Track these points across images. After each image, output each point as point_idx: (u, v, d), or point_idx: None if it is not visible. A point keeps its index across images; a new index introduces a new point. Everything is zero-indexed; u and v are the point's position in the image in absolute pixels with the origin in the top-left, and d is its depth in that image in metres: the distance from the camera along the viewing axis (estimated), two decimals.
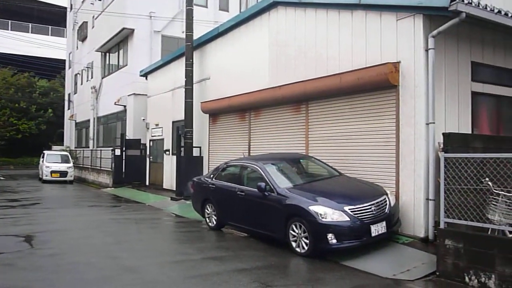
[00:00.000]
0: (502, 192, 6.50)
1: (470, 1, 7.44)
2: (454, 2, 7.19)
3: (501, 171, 6.23)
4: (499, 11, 7.83)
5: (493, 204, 6.56)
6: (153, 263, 7.07)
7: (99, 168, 23.80)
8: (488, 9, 7.71)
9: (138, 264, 7.02)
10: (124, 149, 20.56)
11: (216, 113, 14.26)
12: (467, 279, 5.98)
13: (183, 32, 17.08)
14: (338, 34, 9.66)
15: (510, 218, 6.49)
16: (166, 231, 10.96)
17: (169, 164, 17.61)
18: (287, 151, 10.80)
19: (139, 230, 10.57)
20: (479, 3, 7.64)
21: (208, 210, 10.02)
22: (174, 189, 15.84)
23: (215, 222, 9.80)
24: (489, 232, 6.66)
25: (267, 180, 8.20)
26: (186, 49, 15.11)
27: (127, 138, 21.04)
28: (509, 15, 7.99)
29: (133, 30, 22.11)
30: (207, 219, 10.08)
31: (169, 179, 17.49)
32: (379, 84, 8.39)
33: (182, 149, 14.98)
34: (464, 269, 6.03)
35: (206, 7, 24.01)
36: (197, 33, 15.63)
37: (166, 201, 14.96)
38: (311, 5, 10.42)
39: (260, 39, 12.28)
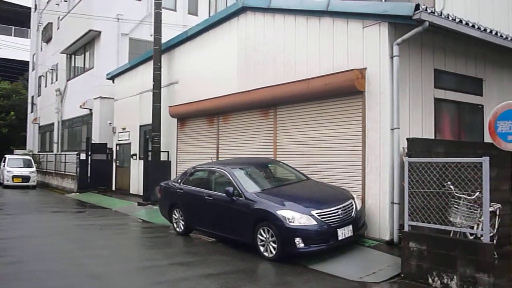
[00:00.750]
0: (463, 196, 6.72)
1: (433, 11, 7.67)
2: (418, 11, 7.39)
3: (462, 175, 6.43)
4: (460, 21, 8.10)
5: (455, 207, 6.76)
6: (118, 269, 6.94)
7: (63, 172, 23.20)
8: (450, 18, 7.97)
9: (103, 271, 6.87)
10: (89, 153, 20.12)
11: (184, 117, 14.17)
12: (430, 280, 6.13)
13: (151, 35, 16.93)
14: (306, 40, 9.77)
15: (470, 220, 6.71)
16: (133, 237, 10.78)
17: (136, 168, 17.35)
18: (256, 155, 10.83)
19: (104, 236, 10.36)
20: (441, 12, 7.89)
21: (175, 215, 9.92)
22: (141, 194, 15.62)
23: (182, 227, 9.71)
24: (451, 234, 6.86)
25: (235, 184, 8.20)
26: (154, 52, 14.96)
27: (93, 142, 20.61)
28: (470, 24, 8.27)
29: (100, 32, 21.73)
30: (174, 224, 9.98)
31: (136, 184, 17.23)
32: (346, 89, 8.52)
33: (150, 153, 14.79)
34: (427, 271, 6.18)
35: (175, 10, 23.87)
36: (166, 37, 15.49)
37: (133, 206, 14.72)
38: (280, 11, 10.51)
39: (229, 44, 12.29)
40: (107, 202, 16.32)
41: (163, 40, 15.25)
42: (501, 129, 6.19)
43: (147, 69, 16.13)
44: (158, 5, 15.21)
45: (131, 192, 17.79)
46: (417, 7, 7.38)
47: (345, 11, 8.82)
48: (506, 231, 7.02)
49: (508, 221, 7.20)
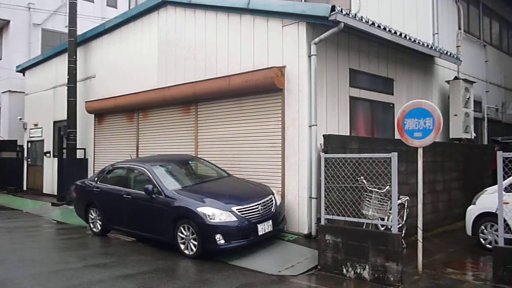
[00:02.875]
0: (375, 189, 7.09)
1: (348, 13, 7.98)
2: (334, 13, 7.66)
3: (373, 169, 6.79)
4: (373, 23, 8.51)
5: (367, 201, 7.13)
6: (27, 275, 6.51)
7: None
8: (364, 20, 8.34)
9: (9, 277, 6.41)
10: None
11: (102, 113, 13.62)
12: (344, 271, 6.40)
13: (66, 26, 16.06)
14: (227, 37, 9.78)
15: (381, 212, 7.10)
16: (45, 239, 10.18)
17: (50, 167, 16.41)
18: (177, 152, 10.67)
19: (12, 240, 9.67)
20: (355, 15, 8.24)
21: (92, 215, 9.52)
22: (56, 194, 14.80)
23: (100, 228, 9.34)
24: (364, 226, 7.21)
25: (155, 182, 8.02)
26: (69, 44, 14.21)
27: (1, 139, 19.19)
28: (382, 27, 8.72)
29: (8, 21, 20.26)
30: (91, 224, 9.57)
31: (50, 183, 16.31)
32: (266, 87, 8.64)
33: (65, 151, 14.05)
34: (342, 262, 6.45)
35: (93, 2, 22.89)
36: (83, 29, 14.80)
37: (47, 207, 13.91)
38: (201, 7, 10.42)
39: (149, 38, 11.99)
40: (17, 203, 15.27)
41: (80, 32, 14.54)
42: (408, 126, 6.58)
43: (62, 62, 15.30)
44: None
45: (44, 192, 16.81)
46: (333, 8, 7.65)
47: (265, 9, 8.93)
48: (414, 222, 7.50)
49: (415, 212, 7.69)
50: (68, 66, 14.08)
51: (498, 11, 15.55)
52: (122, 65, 12.95)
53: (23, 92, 18.68)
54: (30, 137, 18.09)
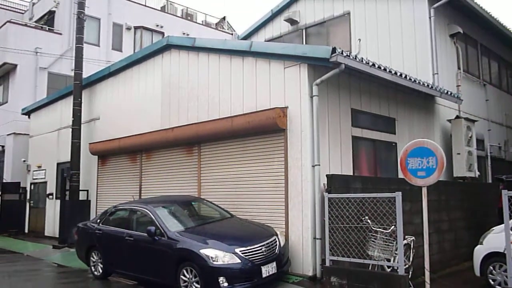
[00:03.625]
0: (380, 229, 7.01)
1: (348, 54, 8.15)
2: (335, 54, 7.82)
3: (378, 209, 6.73)
4: (373, 64, 8.66)
5: (372, 241, 7.02)
6: None
7: None
8: (364, 62, 8.50)
9: None
10: (0, 193, 18.68)
11: (105, 154, 13.68)
12: None
13: (72, 70, 16.38)
14: (230, 79, 9.94)
15: (387, 253, 6.98)
16: (45, 283, 9.99)
17: (52, 209, 16.33)
18: (180, 193, 10.63)
19: (12, 284, 9.49)
20: (356, 56, 8.40)
21: (93, 258, 9.39)
22: (58, 236, 14.66)
23: (101, 271, 9.19)
24: (370, 268, 7.08)
25: (157, 224, 7.95)
26: (75, 87, 14.46)
27: (4, 181, 19.19)
28: (382, 68, 8.87)
29: (15, 65, 20.64)
30: (92, 267, 9.43)
31: (52, 225, 16.19)
32: (269, 127, 8.71)
33: (67, 192, 14.02)
34: None
35: (98, 46, 23.38)
36: (88, 72, 15.07)
37: (48, 249, 13.74)
38: (204, 50, 10.65)
39: (153, 81, 12.20)
40: (17, 246, 15.09)
41: (85, 75, 14.82)
42: (411, 165, 6.58)
43: (67, 105, 15.52)
44: (79, 40, 14.82)
45: (46, 234, 16.65)
46: (333, 50, 7.81)
47: (267, 52, 9.13)
48: (420, 262, 7.36)
49: (421, 253, 7.56)
50: (73, 109, 14.27)
51: (496, 51, 15.83)
52: (126, 107, 13.11)
53: (28, 134, 18.85)
54: (33, 179, 18.11)
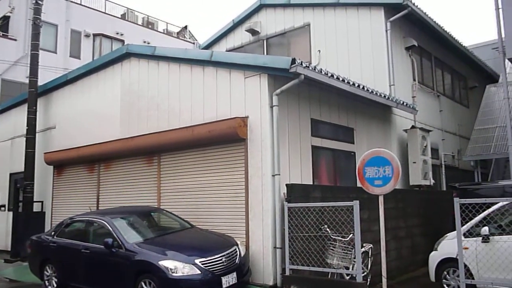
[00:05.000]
0: (338, 238, 7.11)
1: (308, 65, 8.27)
2: (294, 65, 7.91)
3: (336, 218, 6.83)
4: (332, 75, 8.83)
5: (331, 249, 7.12)
6: None
7: None
8: (323, 72, 8.65)
9: None
10: None
11: (62, 164, 13.27)
12: None
13: (27, 77, 15.86)
14: (191, 88, 9.89)
15: (346, 261, 7.09)
16: None
17: (4, 221, 15.64)
18: (139, 204, 10.43)
19: None
20: (315, 67, 8.54)
21: (47, 272, 9.06)
22: (10, 250, 14.06)
23: (55, 285, 8.87)
24: (329, 276, 7.16)
25: (115, 235, 7.76)
26: (30, 95, 13.99)
27: None
28: (340, 79, 9.05)
29: None
30: (46, 282, 9.09)
31: (4, 238, 15.48)
32: (229, 137, 8.70)
33: (21, 204, 13.50)
34: None
35: (56, 52, 22.84)
36: (44, 79, 14.64)
37: None
38: (164, 59, 10.56)
39: (112, 89, 11.98)
40: None
41: (41, 83, 14.38)
42: (369, 174, 6.74)
43: (21, 113, 14.97)
44: (35, 46, 14.38)
45: None
46: (293, 61, 7.91)
47: (228, 61, 9.14)
48: (378, 269, 7.51)
49: (379, 260, 7.72)
50: (28, 117, 13.79)
51: (449, 63, 16.48)
52: (84, 115, 12.80)
53: None
54: None
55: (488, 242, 7.00)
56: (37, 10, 14.39)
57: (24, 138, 13.87)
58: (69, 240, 8.78)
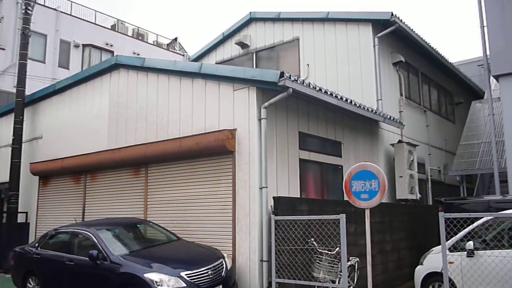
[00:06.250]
0: (325, 251, 7.11)
1: (296, 79, 8.33)
2: (283, 79, 7.97)
3: (323, 231, 6.84)
4: (320, 89, 8.90)
5: (318, 263, 7.12)
6: None
7: None
8: (311, 86, 8.72)
9: None
10: None
11: (47, 175, 13.13)
12: None
13: (14, 86, 15.76)
14: (179, 100, 9.89)
15: (332, 275, 7.09)
16: None
17: None
18: (125, 215, 10.34)
19: None
20: (303, 81, 8.60)
21: (30, 284, 8.91)
22: None
23: None
24: None
25: (100, 247, 7.68)
26: (16, 105, 13.87)
27: None
28: (328, 93, 9.13)
29: None
30: None
31: None
32: (217, 149, 8.70)
33: (5, 215, 13.30)
34: None
35: (44, 62, 22.71)
36: (32, 89, 14.56)
37: None
38: (153, 70, 10.57)
39: (100, 100, 11.93)
40: None
41: (29, 92, 14.28)
42: (355, 188, 6.77)
43: (7, 122, 14.84)
44: (23, 56, 14.30)
45: None
46: (281, 74, 7.96)
47: (217, 74, 9.17)
48: (364, 283, 7.51)
49: (366, 273, 7.72)
50: (14, 127, 13.65)
51: (435, 79, 16.73)
52: (72, 126, 12.71)
53: None
54: None
55: (472, 256, 7.06)
56: (26, 20, 14.35)
57: (10, 148, 13.72)
58: (53, 251, 8.66)
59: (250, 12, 15.71)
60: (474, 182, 16.15)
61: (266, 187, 8.16)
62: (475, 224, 7.28)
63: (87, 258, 7.61)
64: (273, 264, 6.75)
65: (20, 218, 13.45)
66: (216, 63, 16.31)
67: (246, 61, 15.70)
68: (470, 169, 14.65)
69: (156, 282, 6.80)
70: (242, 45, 15.67)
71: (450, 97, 18.37)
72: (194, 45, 79.34)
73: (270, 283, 7.57)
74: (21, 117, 13.75)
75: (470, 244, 7.13)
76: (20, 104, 13.85)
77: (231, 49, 16.36)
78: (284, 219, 6.97)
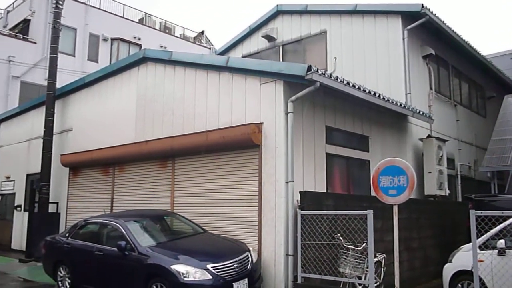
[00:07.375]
0: (351, 247, 7.06)
1: (324, 72, 8.25)
2: (310, 72, 7.91)
3: (349, 227, 6.78)
4: (348, 83, 8.80)
5: (344, 258, 7.07)
6: None
7: None
8: (339, 80, 8.62)
9: None
10: None
11: (77, 166, 13.43)
12: None
13: (45, 79, 16.13)
14: (206, 93, 9.94)
15: (358, 270, 7.03)
16: None
17: (20, 221, 15.87)
18: (153, 207, 10.49)
19: None
20: (331, 74, 8.52)
21: (61, 273, 9.15)
22: (25, 250, 14.24)
23: (68, 286, 8.95)
24: (341, 285, 7.10)
25: (128, 238, 7.81)
26: (47, 97, 14.21)
27: None
28: (356, 86, 9.01)
29: None
30: (59, 282, 9.17)
31: (19, 238, 15.71)
32: (243, 143, 8.71)
33: (37, 204, 13.67)
34: None
35: (74, 56, 23.18)
36: (62, 82, 14.86)
37: (14, 263, 13.31)
38: (180, 64, 10.64)
39: (128, 93, 12.10)
40: None
41: (59, 85, 14.60)
42: (383, 184, 6.68)
43: (39, 115, 15.22)
44: (54, 49, 14.62)
45: (12, 247, 16.14)
46: (309, 68, 7.90)
47: (244, 67, 9.17)
48: (391, 280, 7.43)
49: (392, 270, 7.64)
50: (45, 119, 14.00)
51: (466, 73, 16.30)
52: (100, 119, 12.94)
53: None
54: (1, 190, 17.59)
55: (504, 255, 6.88)
56: (57, 14, 14.65)
57: (41, 140, 14.08)
58: (83, 241, 8.87)
59: (277, 5, 15.60)
60: (505, 179, 15.71)
61: (292, 181, 8.13)
62: (507, 222, 7.08)
63: (116, 249, 7.76)
64: (299, 259, 6.74)
65: (51, 208, 13.83)
66: (243, 56, 16.29)
67: (273, 54, 15.63)
68: (502, 165, 14.24)
69: (182, 273, 6.89)
70: (269, 38, 15.60)
71: (482, 91, 17.89)
72: (221, 38, 79.51)
73: (295, 278, 7.56)
74: (52, 110, 14.08)
75: (501, 243, 6.95)
76: (51, 97, 14.17)
77: (257, 42, 16.31)
78: (310, 213, 6.94)
